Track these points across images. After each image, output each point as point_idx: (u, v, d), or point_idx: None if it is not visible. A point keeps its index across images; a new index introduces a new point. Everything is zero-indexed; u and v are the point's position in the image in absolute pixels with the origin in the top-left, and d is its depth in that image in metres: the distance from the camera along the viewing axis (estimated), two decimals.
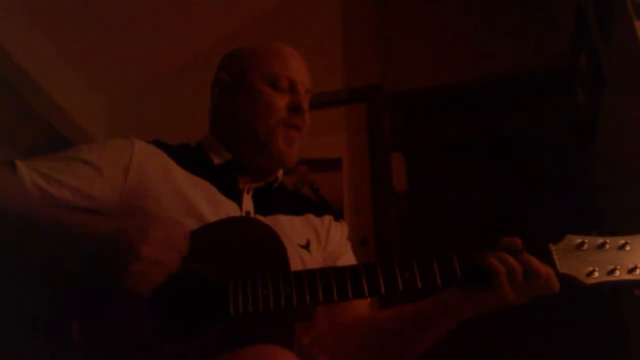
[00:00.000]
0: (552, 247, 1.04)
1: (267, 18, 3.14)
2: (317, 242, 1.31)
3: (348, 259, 1.35)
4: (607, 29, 2.09)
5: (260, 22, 3.12)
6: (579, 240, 1.05)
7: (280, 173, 1.38)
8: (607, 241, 1.04)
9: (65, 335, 0.95)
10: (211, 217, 1.15)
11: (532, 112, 2.76)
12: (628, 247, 1.03)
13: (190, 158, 1.29)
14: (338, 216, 1.42)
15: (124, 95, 3.24)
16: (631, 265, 1.02)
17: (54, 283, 0.96)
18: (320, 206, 1.43)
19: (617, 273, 1.01)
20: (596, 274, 1.02)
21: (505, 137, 2.80)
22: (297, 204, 1.37)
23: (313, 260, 1.26)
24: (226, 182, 1.27)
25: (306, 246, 1.27)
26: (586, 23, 2.32)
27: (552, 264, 1.03)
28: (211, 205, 1.19)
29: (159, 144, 1.28)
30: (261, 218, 1.22)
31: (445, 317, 1.09)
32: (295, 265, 1.12)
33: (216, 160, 1.32)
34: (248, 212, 1.25)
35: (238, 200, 1.25)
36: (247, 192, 1.28)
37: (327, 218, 1.38)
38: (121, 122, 3.13)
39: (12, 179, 1.10)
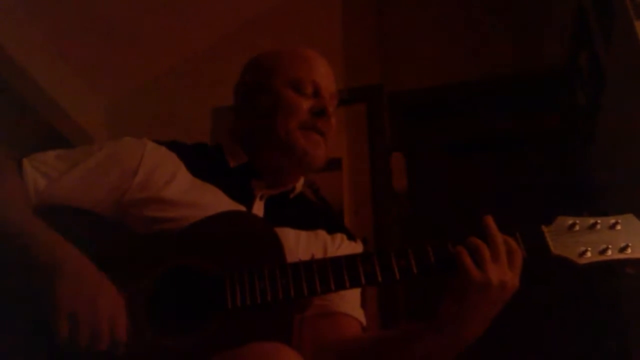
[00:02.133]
0: (545, 229, 1.05)
1: (267, 18, 3.14)
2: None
3: None
4: (607, 29, 2.10)
5: (260, 22, 3.13)
6: (570, 221, 1.05)
7: (300, 183, 1.35)
8: (598, 221, 1.05)
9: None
10: None
11: (532, 112, 2.76)
12: (619, 227, 1.04)
13: (204, 160, 1.27)
14: (351, 235, 1.38)
15: (123, 96, 3.24)
16: (622, 244, 1.02)
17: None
18: (334, 223, 1.38)
19: (609, 252, 1.02)
20: (588, 253, 1.02)
21: (505, 137, 2.81)
22: (310, 219, 1.32)
23: None
24: (239, 186, 1.24)
25: None
26: (586, 23, 2.32)
27: (545, 246, 1.03)
28: (213, 210, 1.16)
29: (172, 145, 1.26)
30: None
31: (442, 330, 1.04)
32: None
33: (232, 163, 1.29)
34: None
35: (249, 205, 1.22)
36: (260, 199, 1.25)
37: (340, 236, 1.33)
38: (121, 122, 3.13)
39: (13, 180, 1.09)
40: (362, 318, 1.28)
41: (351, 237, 1.37)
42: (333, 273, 1.01)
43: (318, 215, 1.40)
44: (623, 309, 2.20)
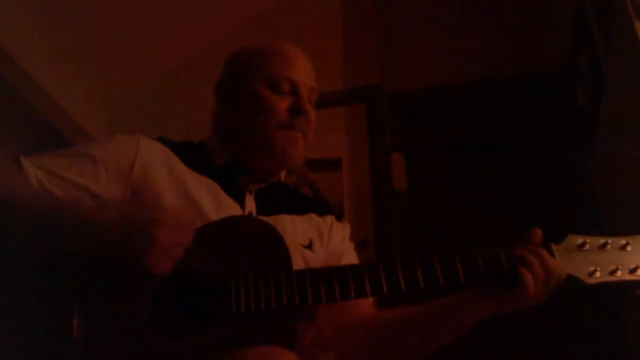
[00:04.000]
0: (554, 247, 1.05)
1: (267, 18, 3.14)
2: (320, 241, 1.31)
3: (350, 259, 1.34)
4: (607, 29, 2.10)
5: (260, 22, 3.12)
6: (580, 240, 1.05)
7: (283, 174, 1.37)
8: (609, 241, 1.05)
9: (66, 332, 0.95)
10: (214, 215, 1.15)
11: (532, 112, 2.76)
12: (629, 248, 1.04)
13: (194, 156, 1.29)
14: (339, 216, 1.42)
15: (123, 95, 3.24)
16: (633, 266, 1.02)
17: (58, 278, 0.96)
18: (322, 206, 1.42)
19: (619, 273, 1.02)
20: (598, 273, 1.02)
21: (505, 137, 2.81)
22: (300, 204, 1.36)
23: (316, 259, 1.26)
24: (228, 183, 1.26)
25: (309, 246, 1.27)
26: (586, 23, 2.32)
27: None
28: (215, 203, 1.19)
29: (163, 141, 1.28)
30: (263, 218, 1.21)
31: (460, 316, 1.09)
32: (298, 265, 1.12)
33: (218, 161, 1.31)
34: (250, 213, 1.25)
35: (240, 201, 1.25)
36: (250, 193, 1.28)
37: (329, 218, 1.37)
38: (121, 122, 3.13)
39: (19, 176, 1.09)
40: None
41: (339, 219, 1.40)
42: (338, 282, 1.01)
43: (305, 199, 1.44)
44: (624, 319, 2.21)
